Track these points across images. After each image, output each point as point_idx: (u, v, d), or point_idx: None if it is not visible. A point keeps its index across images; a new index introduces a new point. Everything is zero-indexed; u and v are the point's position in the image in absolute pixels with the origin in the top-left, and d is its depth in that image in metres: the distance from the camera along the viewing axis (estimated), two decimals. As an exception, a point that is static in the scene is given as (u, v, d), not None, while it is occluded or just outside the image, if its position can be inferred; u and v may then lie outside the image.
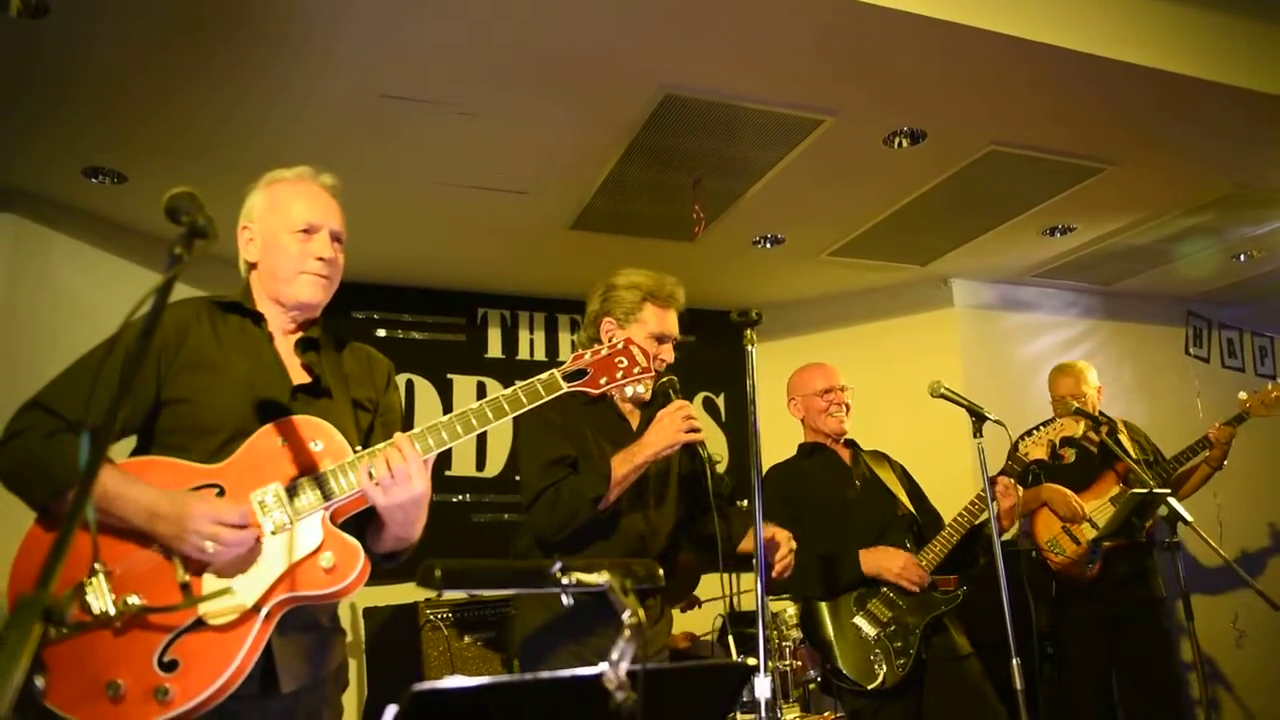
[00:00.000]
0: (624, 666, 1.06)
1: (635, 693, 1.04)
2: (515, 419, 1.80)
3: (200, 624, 1.52)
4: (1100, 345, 5.50)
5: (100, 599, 1.50)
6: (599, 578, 1.14)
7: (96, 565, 1.50)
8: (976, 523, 3.02)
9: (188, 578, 1.54)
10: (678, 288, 2.53)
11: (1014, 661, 2.39)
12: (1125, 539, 3.66)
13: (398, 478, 1.63)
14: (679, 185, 3.89)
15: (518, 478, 2.48)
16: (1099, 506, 3.84)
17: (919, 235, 4.59)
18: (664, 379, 2.37)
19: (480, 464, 4.94)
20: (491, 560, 1.16)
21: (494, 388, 4.90)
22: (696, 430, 2.24)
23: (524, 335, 5.25)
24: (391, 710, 0.93)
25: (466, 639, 3.27)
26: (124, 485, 1.56)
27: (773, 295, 5.35)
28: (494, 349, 5.16)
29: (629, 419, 2.51)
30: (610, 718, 1.04)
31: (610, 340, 1.95)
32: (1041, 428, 3.15)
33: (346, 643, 1.94)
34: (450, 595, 3.54)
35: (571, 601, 1.15)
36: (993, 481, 2.71)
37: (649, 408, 2.51)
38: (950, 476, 3.98)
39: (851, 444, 3.35)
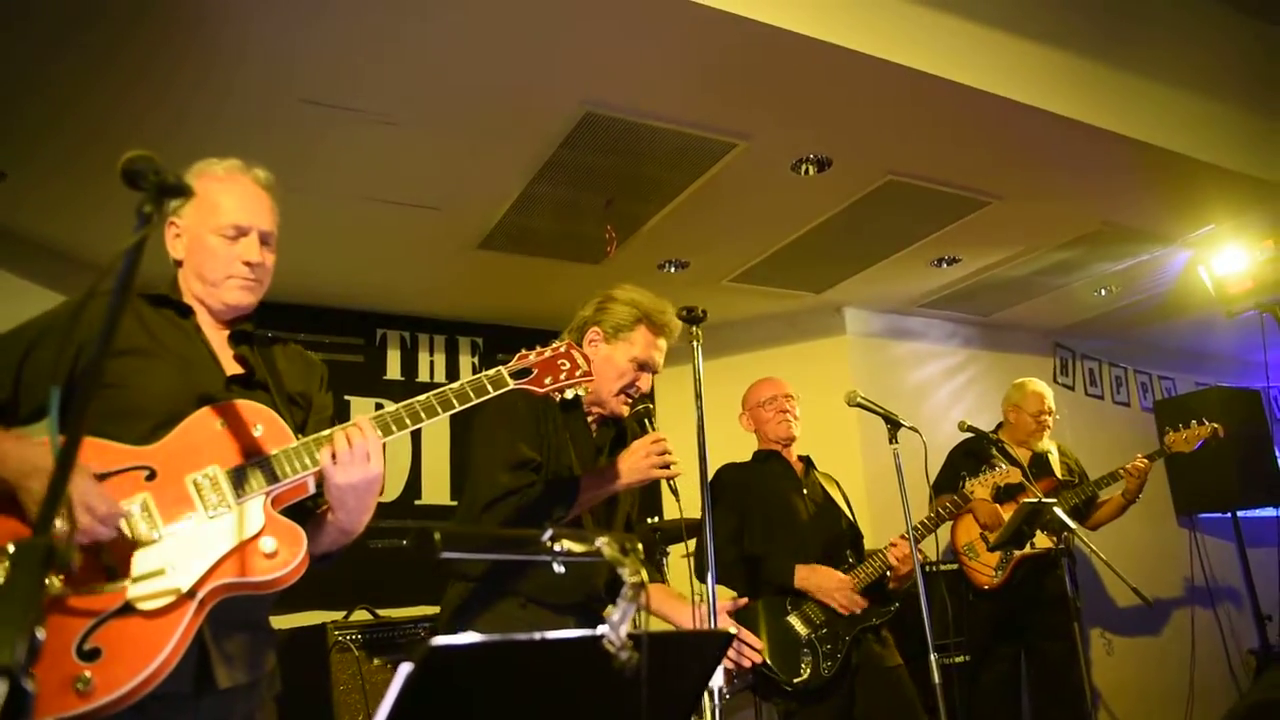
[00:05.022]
0: (624, 628, 1.07)
1: (639, 653, 1.05)
2: (483, 406, 1.78)
3: (128, 609, 1.42)
4: (979, 374, 5.83)
5: None
6: (593, 545, 1.14)
7: (10, 546, 1.39)
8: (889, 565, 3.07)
9: (113, 560, 1.45)
10: (675, 319, 2.40)
11: (931, 656, 2.50)
12: (1015, 546, 3.88)
13: (356, 454, 1.61)
14: (591, 205, 3.92)
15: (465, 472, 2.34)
16: None
17: (817, 263, 4.77)
18: (639, 406, 2.34)
19: (377, 489, 4.78)
20: (486, 528, 1.15)
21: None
22: (669, 465, 2.21)
23: (424, 357, 5.15)
24: (405, 667, 0.91)
25: (376, 661, 3.15)
26: (5, 440, 1.49)
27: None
28: (393, 371, 5.04)
29: (593, 430, 2.44)
30: (613, 677, 1.05)
31: (554, 346, 1.90)
32: (987, 470, 3.32)
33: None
34: (358, 617, 3.41)
35: (563, 569, 1.14)
36: (916, 529, 2.83)
37: (615, 427, 2.46)
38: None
39: (805, 459, 3.44)
